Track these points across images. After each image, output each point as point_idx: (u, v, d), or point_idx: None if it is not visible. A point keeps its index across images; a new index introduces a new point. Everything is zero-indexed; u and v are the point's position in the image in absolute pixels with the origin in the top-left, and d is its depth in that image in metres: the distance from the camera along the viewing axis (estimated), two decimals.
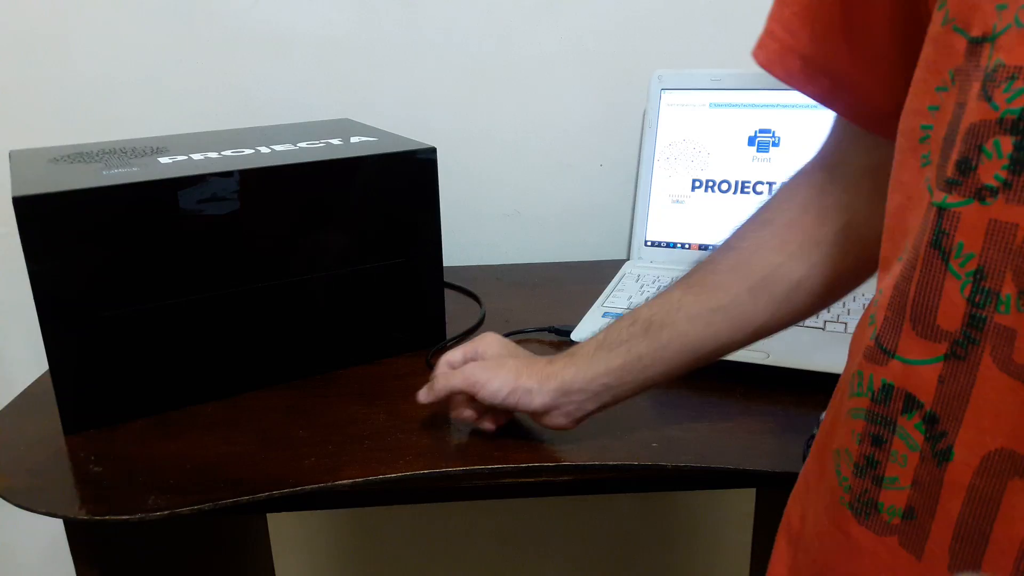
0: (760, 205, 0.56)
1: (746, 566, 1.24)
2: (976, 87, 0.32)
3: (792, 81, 0.49)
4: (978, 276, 0.32)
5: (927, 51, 0.36)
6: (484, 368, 0.61)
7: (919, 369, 0.35)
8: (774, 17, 0.49)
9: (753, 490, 1.16)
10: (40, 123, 0.97)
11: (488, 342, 0.65)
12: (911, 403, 0.36)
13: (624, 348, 0.57)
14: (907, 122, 0.38)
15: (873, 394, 0.38)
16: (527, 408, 0.59)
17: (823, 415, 0.58)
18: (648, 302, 0.58)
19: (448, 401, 0.64)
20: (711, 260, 0.56)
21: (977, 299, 0.32)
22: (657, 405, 0.69)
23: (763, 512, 1.14)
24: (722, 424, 0.65)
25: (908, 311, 0.35)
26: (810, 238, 0.52)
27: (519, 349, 0.65)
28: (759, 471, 0.59)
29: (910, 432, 0.36)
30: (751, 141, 0.92)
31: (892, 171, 0.40)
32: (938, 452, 0.35)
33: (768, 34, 0.49)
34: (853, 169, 0.52)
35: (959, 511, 0.34)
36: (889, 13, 0.43)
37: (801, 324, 0.77)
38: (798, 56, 0.48)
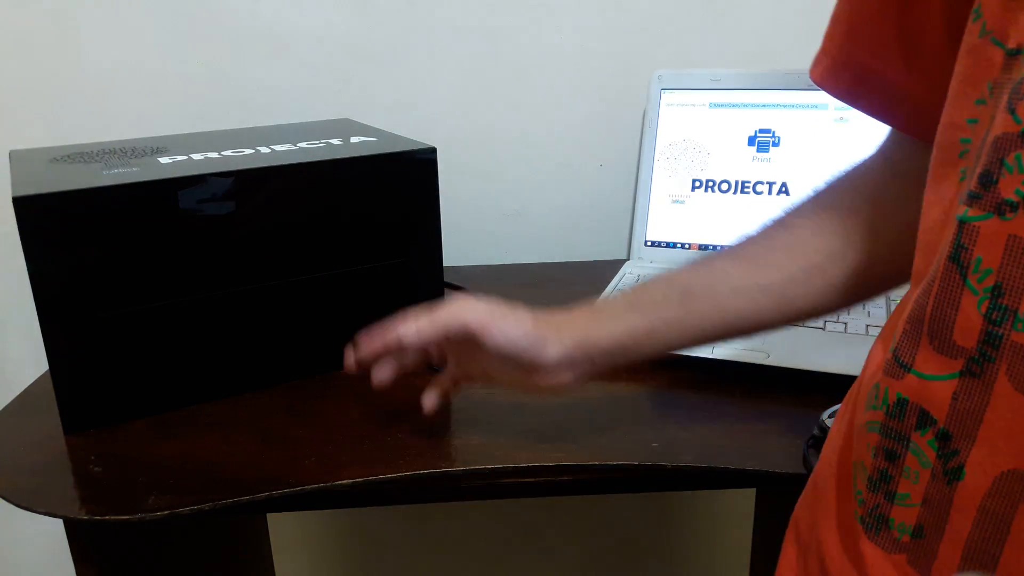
0: (817, 188, 0.54)
1: (746, 566, 1.24)
2: (1004, 99, 0.32)
3: (846, 97, 0.49)
4: (995, 293, 0.32)
5: (964, 63, 0.35)
6: (496, 306, 0.53)
7: (934, 385, 0.34)
8: (828, 35, 0.48)
9: (753, 490, 1.16)
10: (40, 123, 0.97)
11: (467, 305, 0.54)
12: (925, 419, 0.35)
13: (655, 312, 0.53)
14: (945, 136, 0.37)
15: (888, 408, 0.37)
16: (538, 360, 0.52)
17: (823, 415, 0.57)
18: (687, 267, 0.54)
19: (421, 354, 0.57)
20: (766, 235, 0.53)
21: (994, 316, 0.32)
22: (657, 405, 0.69)
23: (763, 512, 1.14)
24: (722, 424, 0.65)
25: (926, 325, 0.35)
26: (872, 230, 0.51)
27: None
28: (759, 471, 0.59)
29: (923, 449, 0.35)
30: (751, 141, 0.92)
31: (928, 185, 0.38)
32: (949, 470, 0.34)
33: (823, 51, 0.49)
34: (915, 168, 0.50)
35: (969, 532, 0.34)
36: (944, 20, 0.42)
37: (801, 324, 0.78)
38: (851, 72, 0.47)
